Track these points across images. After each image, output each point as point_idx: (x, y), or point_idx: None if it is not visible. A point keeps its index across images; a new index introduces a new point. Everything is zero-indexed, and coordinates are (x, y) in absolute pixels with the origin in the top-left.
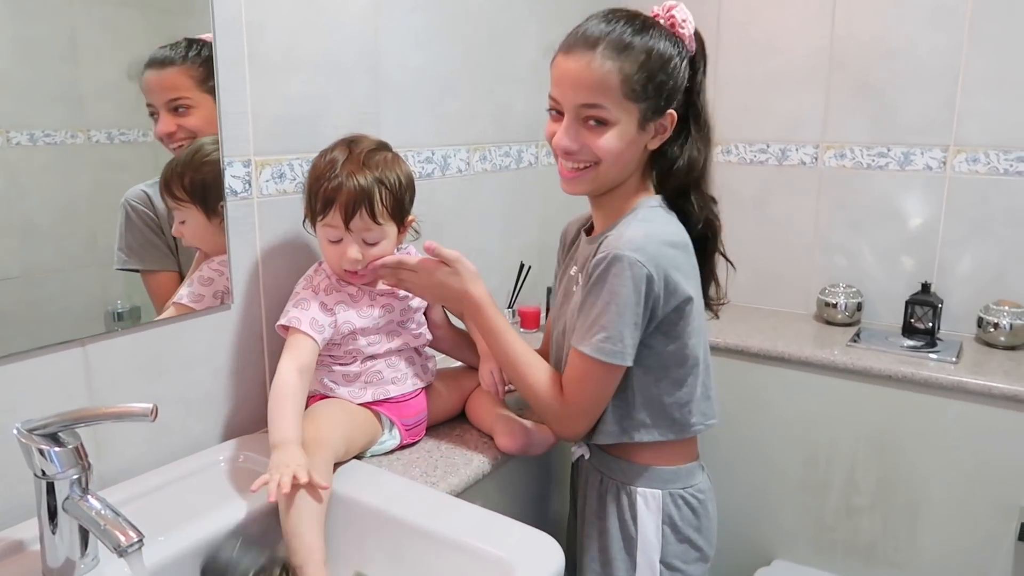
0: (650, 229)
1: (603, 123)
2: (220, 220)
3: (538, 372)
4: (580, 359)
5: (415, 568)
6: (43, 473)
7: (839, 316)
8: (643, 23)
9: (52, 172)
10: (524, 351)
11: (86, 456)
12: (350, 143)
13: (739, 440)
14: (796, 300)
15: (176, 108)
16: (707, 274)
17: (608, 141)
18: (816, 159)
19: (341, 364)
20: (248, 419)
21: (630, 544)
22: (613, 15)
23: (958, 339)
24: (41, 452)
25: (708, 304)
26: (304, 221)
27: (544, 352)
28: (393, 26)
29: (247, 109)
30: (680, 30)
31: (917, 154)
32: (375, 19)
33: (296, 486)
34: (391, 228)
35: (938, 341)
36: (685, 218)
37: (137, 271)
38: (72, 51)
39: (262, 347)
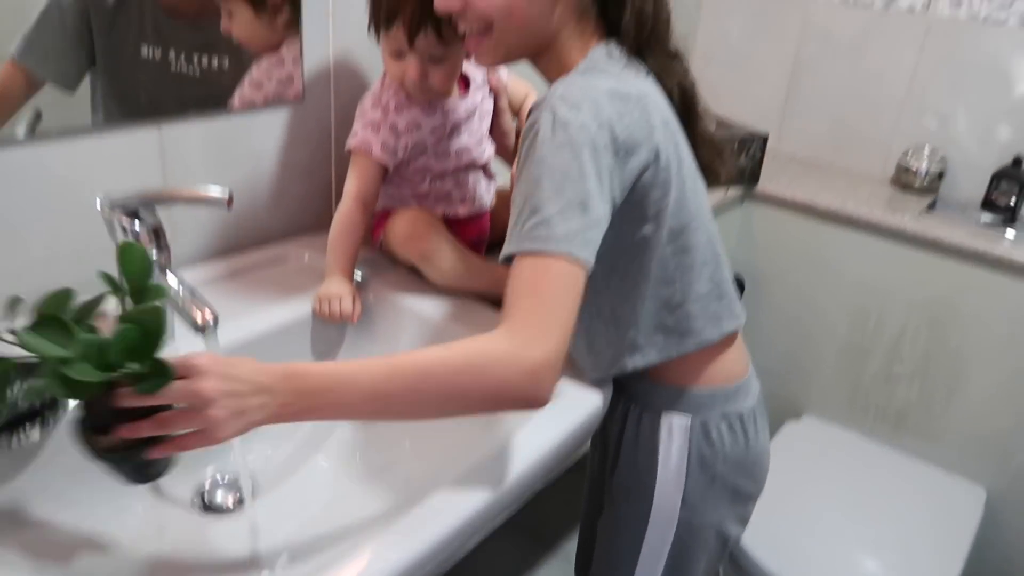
0: (589, 80)
1: None
2: (270, 15)
3: (449, 353)
4: (516, 264)
5: None
6: None
7: (917, 183)
8: None
9: None
10: (410, 365)
11: (164, 235)
12: None
13: (789, 293)
14: (873, 161)
15: None
16: (696, 141)
17: None
18: (928, 6)
19: (410, 184)
20: (314, 219)
21: (650, 478)
22: None
23: None
24: (123, 228)
25: (707, 176)
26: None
27: None
28: None
29: None
30: None
31: None
32: None
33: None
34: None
35: (1018, 220)
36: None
37: None
38: None
39: (330, 147)
